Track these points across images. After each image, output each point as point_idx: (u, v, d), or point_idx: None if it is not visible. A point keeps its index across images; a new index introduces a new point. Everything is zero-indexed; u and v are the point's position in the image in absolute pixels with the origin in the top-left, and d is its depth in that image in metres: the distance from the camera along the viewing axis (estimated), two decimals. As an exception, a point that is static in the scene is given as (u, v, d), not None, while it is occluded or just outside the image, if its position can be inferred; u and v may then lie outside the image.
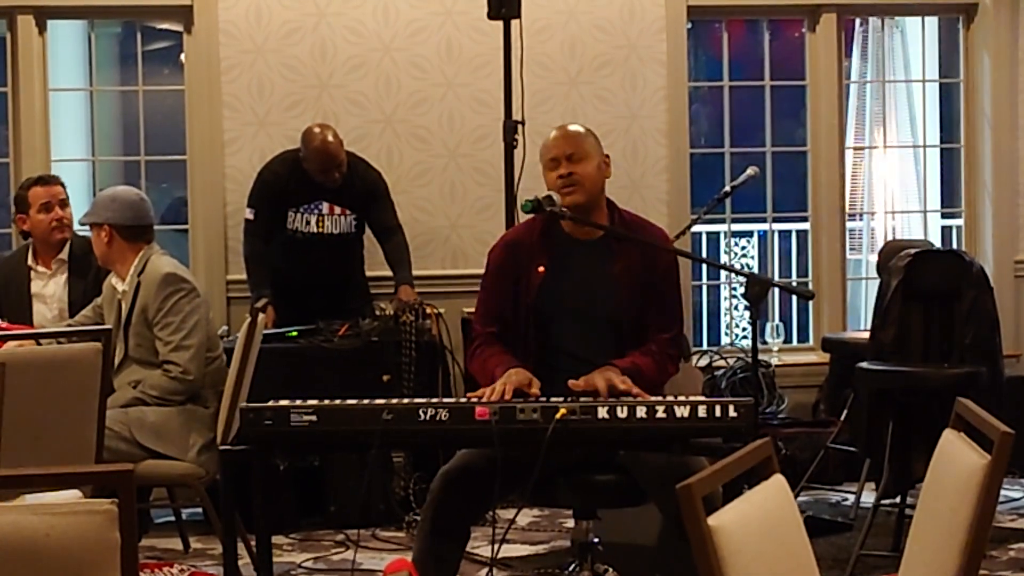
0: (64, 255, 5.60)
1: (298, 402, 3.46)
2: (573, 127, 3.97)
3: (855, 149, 7.50)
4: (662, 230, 4.11)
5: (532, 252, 3.85)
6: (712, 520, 2.07)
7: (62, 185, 5.67)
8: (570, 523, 4.18)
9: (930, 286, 5.22)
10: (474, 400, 3.52)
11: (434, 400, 3.56)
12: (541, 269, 3.82)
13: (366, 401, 3.50)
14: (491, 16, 5.19)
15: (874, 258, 6.80)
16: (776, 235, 7.54)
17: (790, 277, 7.99)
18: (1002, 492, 5.76)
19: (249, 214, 6.10)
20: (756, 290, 4.12)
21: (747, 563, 2.10)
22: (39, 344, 4.71)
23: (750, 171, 5.94)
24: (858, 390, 5.46)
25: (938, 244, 7.16)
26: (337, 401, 3.50)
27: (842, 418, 5.95)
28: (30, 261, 5.63)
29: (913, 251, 5.33)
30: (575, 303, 3.81)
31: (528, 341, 3.79)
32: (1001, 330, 5.31)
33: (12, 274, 5.64)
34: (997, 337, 5.25)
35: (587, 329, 3.81)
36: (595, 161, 3.85)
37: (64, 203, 5.62)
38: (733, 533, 2.09)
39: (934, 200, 7.54)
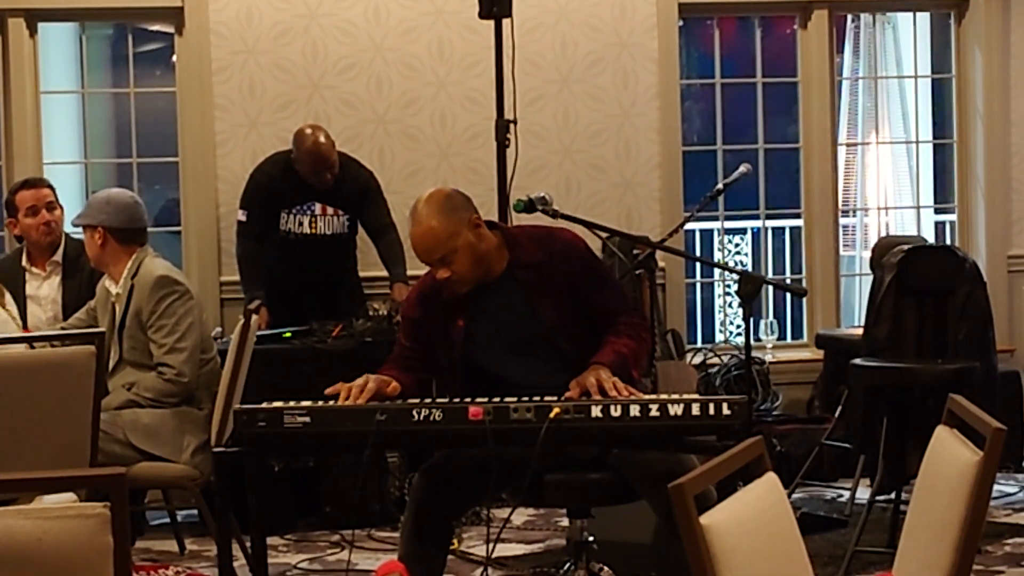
0: (58, 257, 5.59)
1: (292, 403, 3.46)
2: (427, 223, 3.61)
3: (848, 145, 7.50)
4: (569, 232, 3.93)
5: (446, 305, 3.76)
6: (704, 519, 2.07)
7: (50, 187, 5.65)
8: (565, 522, 4.18)
9: (923, 282, 5.22)
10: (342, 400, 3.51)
11: (427, 400, 3.56)
12: (460, 323, 3.75)
13: (360, 402, 3.50)
14: (482, 15, 5.18)
15: (867, 254, 6.80)
16: (769, 232, 7.54)
17: (783, 274, 7.98)
18: (997, 487, 5.82)
19: (242, 215, 6.10)
20: (749, 287, 4.13)
21: (740, 561, 2.11)
22: (32, 347, 4.70)
23: (743, 168, 5.92)
24: (852, 386, 5.46)
25: (931, 240, 7.17)
26: (331, 402, 3.50)
27: (836, 415, 5.95)
28: (24, 263, 5.63)
29: (906, 247, 5.33)
30: (506, 342, 3.76)
31: (465, 384, 3.72)
32: (994, 325, 5.31)
33: (6, 276, 5.62)
34: (990, 332, 5.25)
35: (526, 359, 3.75)
36: (464, 247, 3.63)
37: (52, 206, 5.59)
38: (725, 532, 2.09)
39: (927, 196, 7.54)
